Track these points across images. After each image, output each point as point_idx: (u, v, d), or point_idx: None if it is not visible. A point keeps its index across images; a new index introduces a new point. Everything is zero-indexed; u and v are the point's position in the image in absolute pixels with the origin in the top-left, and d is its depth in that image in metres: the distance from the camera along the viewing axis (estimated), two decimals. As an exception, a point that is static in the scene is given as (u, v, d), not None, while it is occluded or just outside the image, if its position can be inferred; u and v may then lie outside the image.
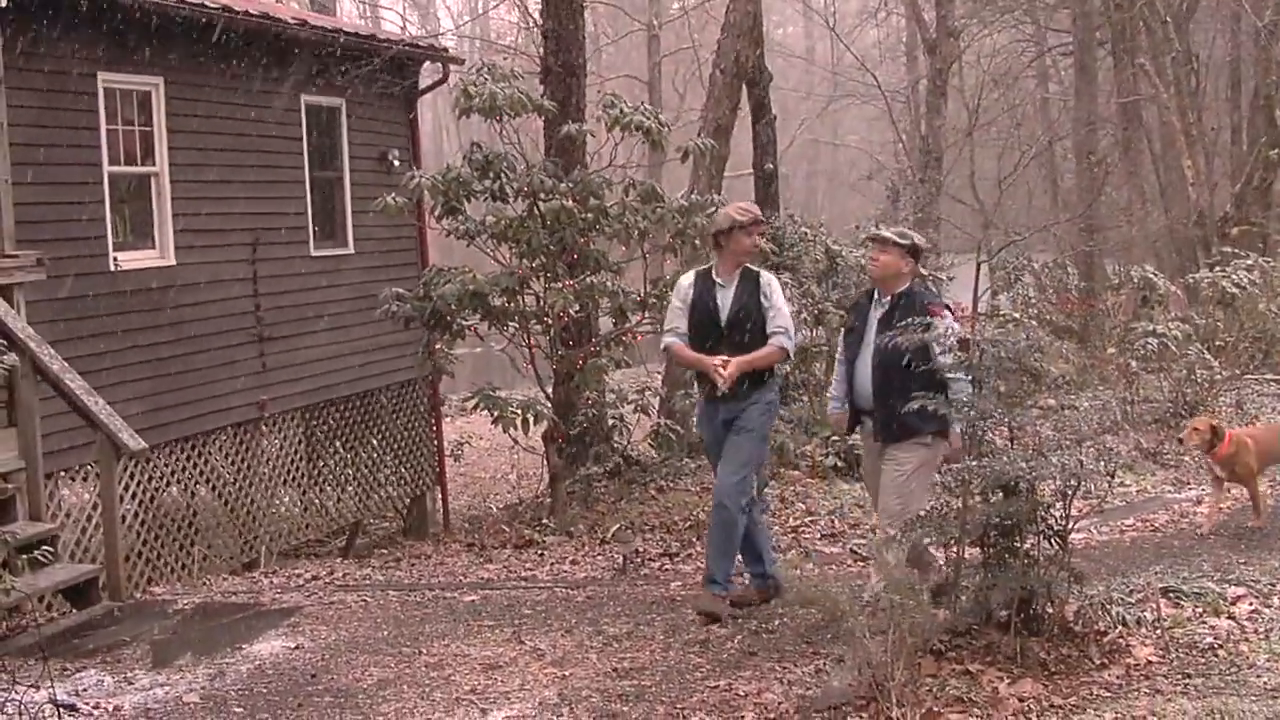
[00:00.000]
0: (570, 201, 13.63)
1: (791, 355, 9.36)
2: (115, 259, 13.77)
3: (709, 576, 8.93)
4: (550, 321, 13.82)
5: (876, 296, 8.70)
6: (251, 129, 15.87)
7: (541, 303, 13.97)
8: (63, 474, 12.54)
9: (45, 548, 9.45)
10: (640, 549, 12.37)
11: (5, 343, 10.16)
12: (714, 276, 9.10)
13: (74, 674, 8.45)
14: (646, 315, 14.21)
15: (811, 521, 12.97)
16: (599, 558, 12.34)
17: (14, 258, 10.97)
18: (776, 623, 8.72)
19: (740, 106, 19.86)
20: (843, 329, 9.26)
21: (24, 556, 9.44)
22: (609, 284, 13.74)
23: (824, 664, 7.69)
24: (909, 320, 7.83)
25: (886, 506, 8.50)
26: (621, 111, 13.71)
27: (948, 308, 8.60)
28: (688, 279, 9.26)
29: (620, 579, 10.77)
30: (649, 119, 13.81)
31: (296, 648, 8.83)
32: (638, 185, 14.18)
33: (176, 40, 14.42)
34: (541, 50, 17.59)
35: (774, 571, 9.27)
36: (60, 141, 13.08)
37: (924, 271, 18.66)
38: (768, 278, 9.10)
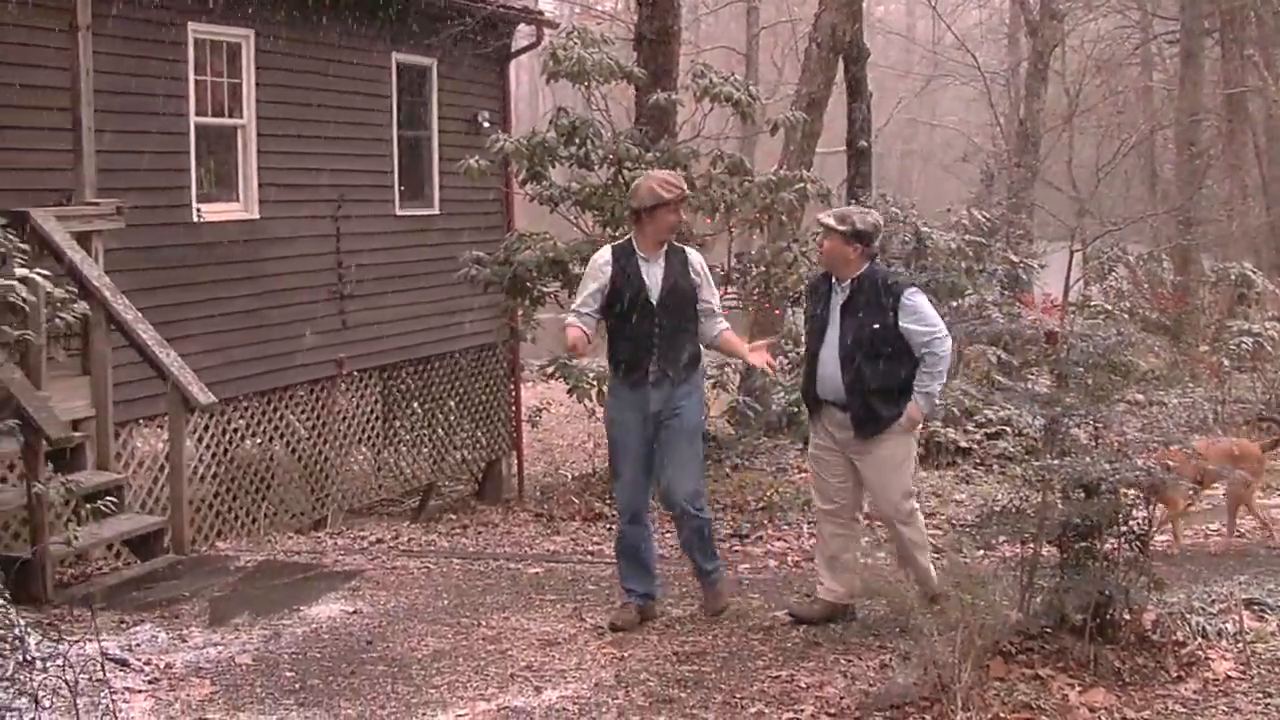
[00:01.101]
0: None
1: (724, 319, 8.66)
2: (198, 210, 13.74)
3: (707, 567, 8.54)
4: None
5: (835, 282, 8.09)
6: (340, 85, 15.79)
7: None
8: (138, 423, 12.52)
9: (109, 498, 9.43)
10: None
11: (80, 291, 10.12)
12: (637, 252, 8.27)
13: (130, 627, 8.38)
14: (730, 289, 14.00)
15: (884, 509, 12.72)
16: (667, 535, 12.13)
17: (94, 205, 10.93)
18: (843, 613, 8.51)
19: (836, 83, 19.56)
20: (804, 312, 8.66)
21: (88, 505, 9.45)
22: (693, 256, 13.53)
23: (889, 659, 7.48)
24: (879, 302, 7.83)
25: (888, 511, 8.12)
26: (711, 82, 13.50)
27: (914, 284, 8.19)
28: (604, 255, 8.35)
29: (687, 559, 10.57)
30: (739, 90, 13.58)
31: (354, 612, 8.72)
32: (725, 158, 13.96)
33: (269, -8, 14.37)
34: (636, 16, 17.38)
35: (658, 593, 8.61)
36: (147, 90, 13.03)
37: (1011, 257, 18.40)
38: (695, 254, 8.46)
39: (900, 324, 7.82)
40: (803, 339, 8.71)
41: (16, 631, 7.07)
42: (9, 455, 9.73)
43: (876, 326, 7.83)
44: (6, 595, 7.34)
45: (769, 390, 16.58)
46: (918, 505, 8.33)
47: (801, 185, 13.74)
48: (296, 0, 14.74)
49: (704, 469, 8.64)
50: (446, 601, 8.98)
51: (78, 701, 6.43)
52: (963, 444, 15.23)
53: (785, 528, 12.30)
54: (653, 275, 8.19)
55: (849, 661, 7.56)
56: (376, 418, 16.70)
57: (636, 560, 8.43)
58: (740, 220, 14.49)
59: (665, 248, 8.25)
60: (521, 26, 20.09)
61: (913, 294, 7.93)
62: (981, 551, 9.07)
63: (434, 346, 17.61)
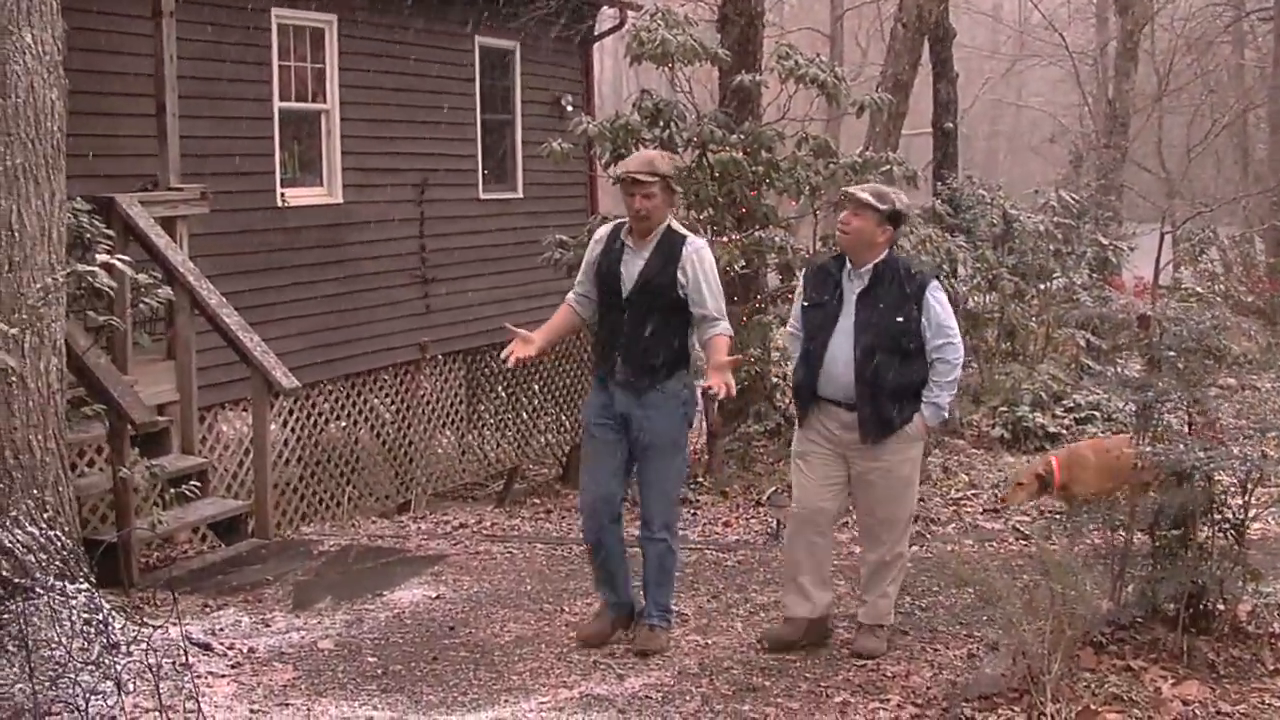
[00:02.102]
0: (741, 153, 13.31)
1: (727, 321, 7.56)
2: (282, 195, 13.79)
3: (649, 613, 7.64)
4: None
5: (849, 267, 7.30)
6: (423, 69, 15.78)
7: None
8: (222, 407, 12.57)
9: (194, 482, 9.49)
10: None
11: (165, 276, 10.17)
12: (622, 237, 7.49)
13: (214, 611, 8.42)
14: (814, 273, 13.85)
15: (974, 495, 12.55)
16: (752, 520, 12.06)
17: (179, 190, 10.98)
18: (930, 600, 8.40)
19: (922, 64, 19.36)
20: (803, 300, 7.53)
21: (173, 490, 9.50)
22: (777, 239, 13.42)
23: (977, 649, 7.38)
24: (903, 293, 7.15)
25: (896, 520, 7.38)
26: (796, 63, 13.35)
27: (936, 277, 7.54)
28: (604, 230, 7.69)
29: (772, 545, 10.48)
30: (824, 72, 13.43)
31: (437, 597, 8.70)
32: (811, 139, 13.82)
33: (351, -23, 14.38)
34: (720, -2, 17.27)
35: (634, 598, 7.81)
36: (231, 76, 13.07)
37: (1100, 240, 18.12)
38: (695, 247, 7.37)
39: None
40: (797, 326, 7.57)
41: (102, 615, 7.11)
42: (95, 439, 9.79)
43: (900, 320, 7.13)
44: (92, 579, 7.39)
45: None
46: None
47: (888, 168, 13.57)
48: (380, -16, 14.77)
49: (678, 487, 7.78)
50: (529, 587, 8.94)
51: (161, 686, 6.43)
52: (1051, 428, 15.00)
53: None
54: (631, 266, 7.38)
55: (935, 651, 7.47)
56: (460, 401, 16.70)
57: (604, 568, 7.69)
58: (826, 203, 14.36)
59: (657, 237, 7.36)
60: (605, 9, 20.01)
61: (937, 289, 7.27)
62: (1071, 539, 8.97)
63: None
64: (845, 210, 7.33)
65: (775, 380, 15.99)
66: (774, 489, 12.20)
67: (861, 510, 7.58)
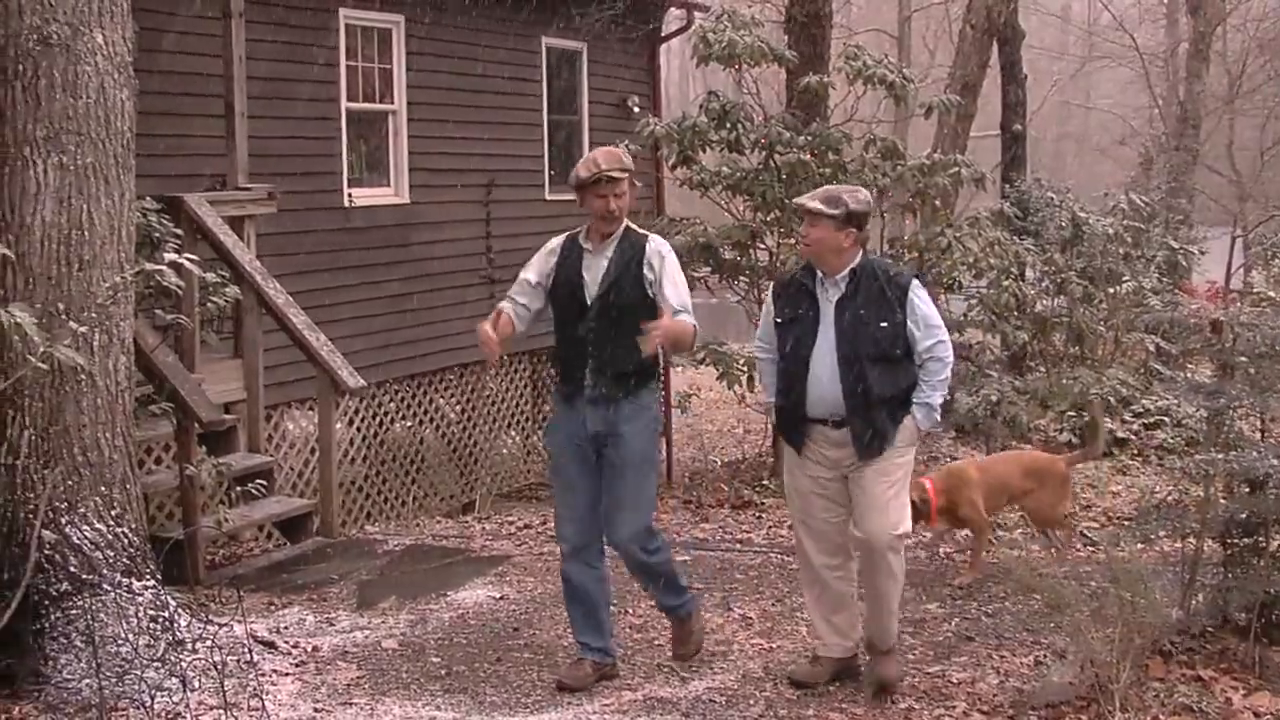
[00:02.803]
0: (808, 155, 13.27)
1: (697, 336, 7.06)
2: (349, 195, 13.83)
3: (674, 603, 7.34)
4: (782, 276, 13.51)
5: (821, 277, 6.78)
6: (490, 70, 15.79)
7: (774, 257, 13.68)
8: (289, 406, 12.63)
9: (259, 481, 9.53)
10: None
11: (232, 275, 10.22)
12: (582, 242, 7.05)
13: (279, 609, 8.45)
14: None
15: (1040, 500, 12.46)
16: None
17: (246, 190, 11.04)
18: (996, 607, 8.32)
19: (990, 65, 19.25)
20: (774, 318, 6.99)
21: (239, 487, 9.55)
22: (843, 241, 13.35)
23: (1044, 656, 7.31)
24: (884, 297, 6.65)
25: (878, 532, 6.70)
26: (864, 64, 13.31)
27: (917, 276, 7.06)
28: (554, 242, 7.16)
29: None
30: (892, 73, 13.38)
31: (501, 598, 8.70)
32: (878, 141, 13.76)
33: (419, -23, 14.41)
34: (787, -1, 17.22)
35: (611, 647, 7.33)
36: (299, 77, 13.13)
37: (1170, 243, 17.89)
38: (657, 245, 6.97)
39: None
40: (767, 345, 7.06)
41: (168, 612, 7.15)
42: (162, 437, 9.86)
43: (885, 325, 6.64)
44: (159, 576, 7.42)
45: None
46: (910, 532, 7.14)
47: (956, 169, 13.51)
48: (448, -15, 14.80)
49: (652, 507, 7.23)
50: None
51: (225, 683, 6.46)
52: (1120, 434, 14.88)
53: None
54: (593, 270, 6.92)
55: (1002, 658, 7.41)
56: (525, 402, 16.72)
57: (584, 608, 7.17)
58: (893, 205, 14.30)
59: (616, 238, 6.94)
60: (672, 10, 19.97)
61: (919, 288, 6.81)
62: (1140, 546, 8.89)
63: (583, 331, 17.57)
64: (804, 222, 6.91)
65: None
66: None
67: (853, 522, 6.88)
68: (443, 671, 7.34)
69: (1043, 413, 15.23)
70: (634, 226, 7.07)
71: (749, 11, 15.18)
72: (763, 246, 13.78)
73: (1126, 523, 10.75)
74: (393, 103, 14.46)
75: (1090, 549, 10.08)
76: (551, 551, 10.02)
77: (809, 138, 13.33)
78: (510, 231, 15.99)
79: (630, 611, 8.35)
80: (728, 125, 13.46)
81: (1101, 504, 12.40)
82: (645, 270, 6.86)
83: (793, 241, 13.09)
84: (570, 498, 7.11)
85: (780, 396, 6.94)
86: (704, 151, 13.93)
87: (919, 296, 6.75)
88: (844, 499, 6.82)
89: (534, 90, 16.73)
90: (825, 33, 16.48)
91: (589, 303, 6.89)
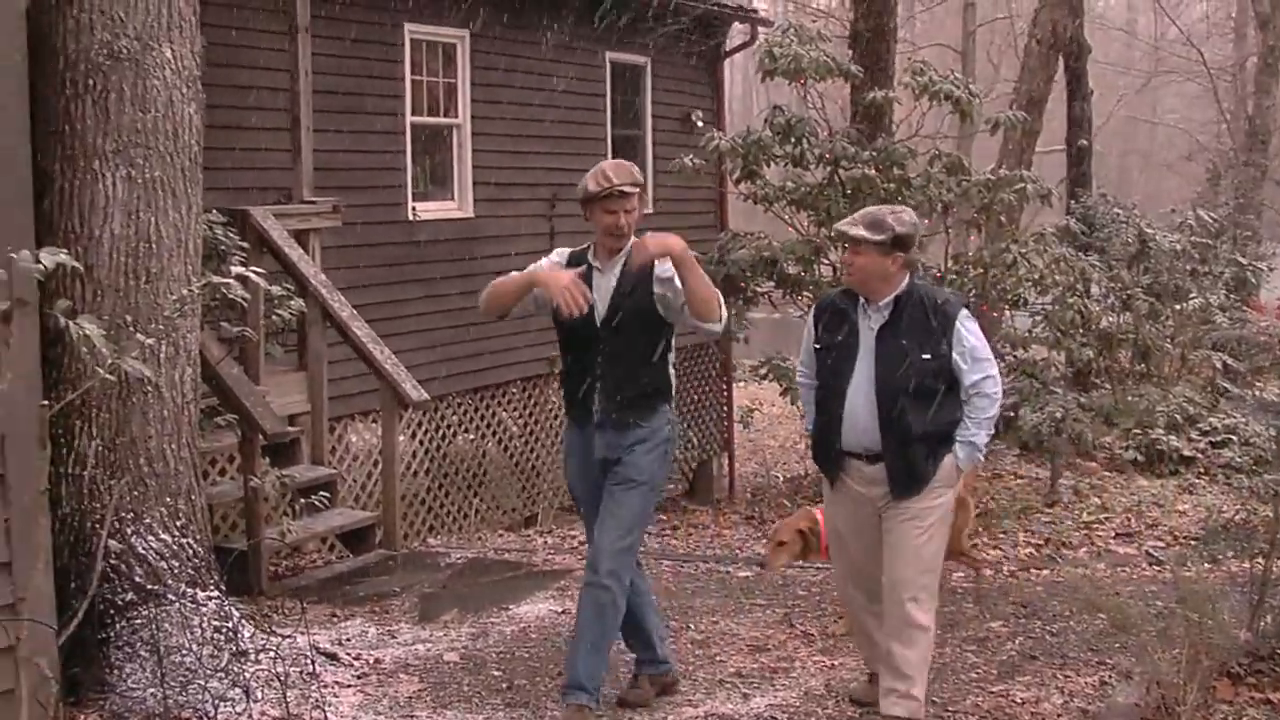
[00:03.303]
0: (872, 170, 13.23)
1: (722, 323, 6.51)
2: (413, 209, 13.89)
3: (573, 682, 6.61)
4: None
5: (864, 302, 6.36)
6: (554, 84, 15.83)
7: (838, 273, 13.64)
8: (352, 418, 12.68)
9: (323, 492, 9.58)
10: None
11: (297, 288, 10.27)
12: (589, 259, 6.62)
13: (341, 621, 8.47)
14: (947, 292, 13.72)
15: (1106, 519, 12.37)
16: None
17: (311, 204, 11.11)
18: (1060, 626, 8.25)
19: (1055, 80, 19.14)
20: (813, 344, 6.58)
21: (303, 499, 9.59)
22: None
23: (1109, 676, 7.23)
24: (927, 326, 6.21)
25: (908, 579, 6.30)
26: (930, 79, 13.25)
27: (966, 306, 6.62)
28: (564, 253, 6.80)
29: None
30: (958, 88, 13.31)
31: (563, 612, 8.69)
32: (943, 156, 13.70)
33: (484, -8, 14.46)
34: (851, 14, 17.18)
35: (668, 654, 7.18)
36: (364, 91, 13.20)
37: (1238, 259, 17.74)
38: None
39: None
40: (808, 372, 6.66)
41: (231, 623, 7.19)
42: (227, 449, 9.91)
43: (927, 357, 6.20)
44: (222, 586, 7.46)
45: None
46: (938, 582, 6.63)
47: (1021, 185, 13.42)
48: (511, 0, 14.81)
49: (640, 530, 6.75)
50: (655, 603, 8.89)
51: (288, 694, 6.49)
52: (1186, 452, 14.74)
53: (1001, 535, 12.01)
54: (601, 289, 6.53)
55: (1066, 677, 7.33)
56: (587, 416, 16.71)
57: (629, 624, 6.84)
58: (958, 220, 14.23)
59: (623, 255, 6.51)
60: (735, 25, 19.99)
61: (967, 318, 6.32)
62: (1208, 566, 8.80)
63: (645, 345, 17.57)
64: (848, 250, 6.46)
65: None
66: None
67: (884, 577, 6.46)
68: (504, 685, 7.33)
69: (1107, 430, 15.11)
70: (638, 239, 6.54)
71: (814, 27, 15.13)
72: (826, 262, 13.74)
73: (1193, 542, 10.66)
74: (457, 117, 14.51)
75: (1156, 568, 9.99)
76: (613, 566, 10.01)
77: (873, 153, 13.29)
78: (574, 246, 15.99)
79: (692, 627, 8.34)
80: (792, 140, 13.44)
81: (1167, 523, 12.28)
82: (655, 287, 6.47)
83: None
84: (588, 521, 6.84)
85: (814, 426, 6.62)
86: (768, 166, 13.91)
87: (966, 328, 6.27)
88: (876, 540, 6.42)
89: (598, 105, 16.77)
90: (889, 47, 16.43)
91: (598, 324, 6.50)
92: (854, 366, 6.31)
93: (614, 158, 16.73)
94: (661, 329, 6.58)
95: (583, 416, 6.64)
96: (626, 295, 6.47)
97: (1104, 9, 55.75)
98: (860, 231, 6.22)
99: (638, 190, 6.54)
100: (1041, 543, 11.69)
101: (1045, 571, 10.17)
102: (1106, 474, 14.29)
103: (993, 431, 6.43)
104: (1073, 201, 18.78)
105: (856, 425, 6.30)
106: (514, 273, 6.70)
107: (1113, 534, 11.96)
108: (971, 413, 6.26)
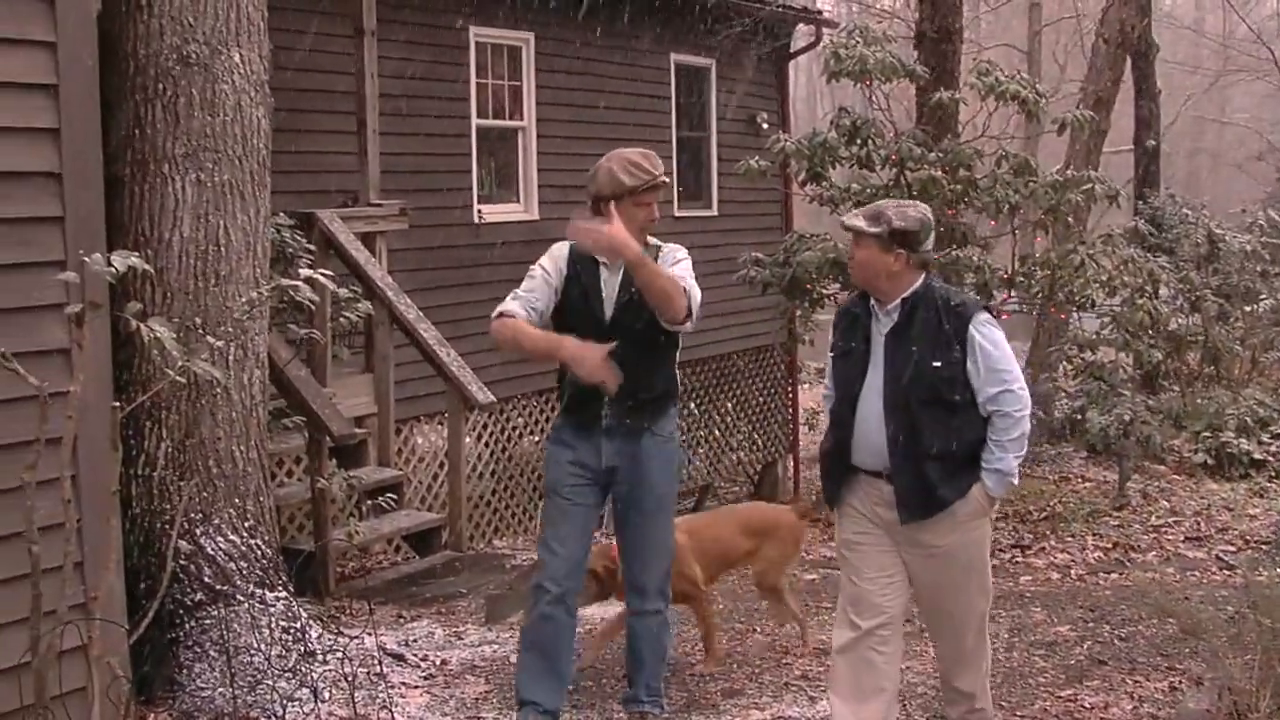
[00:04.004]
0: (939, 172, 13.15)
1: (693, 319, 6.16)
2: (479, 211, 13.94)
3: (645, 695, 6.59)
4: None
5: (874, 305, 5.71)
6: (619, 86, 15.87)
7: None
8: (418, 420, 12.72)
9: (389, 494, 9.62)
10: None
11: (364, 290, 10.32)
12: (596, 255, 6.18)
13: (408, 622, 8.50)
14: (1013, 294, 13.65)
15: (1175, 522, 12.26)
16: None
17: (378, 206, 11.15)
18: (1129, 630, 8.18)
19: (1123, 79, 19.00)
20: (829, 351, 5.99)
21: (369, 501, 9.64)
22: (975, 258, 13.23)
23: (1179, 682, 7.16)
24: (940, 330, 5.54)
25: (970, 613, 5.78)
26: (996, 80, 13.16)
27: (987, 308, 5.79)
28: (563, 248, 6.25)
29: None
30: (1025, 88, 13.21)
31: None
32: (1010, 157, 13.60)
33: (550, -5, 14.50)
34: (917, 14, 17.10)
35: (646, 697, 6.64)
36: (430, 94, 13.26)
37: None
38: (671, 249, 6.26)
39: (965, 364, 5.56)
40: (830, 382, 5.96)
41: (299, 624, 7.23)
42: (295, 450, 9.97)
43: (938, 364, 5.50)
44: (290, 587, 7.50)
45: (1052, 396, 16.17)
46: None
47: (1089, 186, 13.31)
48: (576, 3, 14.84)
49: (670, 555, 6.59)
50: (721, 606, 8.89)
51: (355, 695, 6.51)
52: (1257, 455, 14.60)
53: (1069, 539, 11.93)
54: (610, 283, 6.19)
55: (1135, 683, 7.26)
56: (651, 418, 16.71)
57: (547, 658, 6.33)
58: (1024, 222, 14.14)
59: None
60: (800, 26, 19.96)
61: (984, 323, 5.59)
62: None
63: (711, 347, 17.56)
64: (850, 242, 5.87)
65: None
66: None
67: (923, 612, 6.16)
68: (570, 687, 7.31)
69: (1176, 433, 14.98)
70: (648, 237, 6.26)
71: (880, 28, 15.07)
72: (892, 263, 13.65)
73: (1264, 546, 10.55)
74: (522, 119, 14.56)
75: (1227, 573, 9.89)
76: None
77: (940, 154, 13.21)
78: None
79: (758, 630, 8.32)
80: (858, 141, 13.37)
81: (1238, 527, 12.17)
82: None
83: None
84: (565, 526, 6.37)
85: (826, 438, 5.97)
86: (834, 168, 13.86)
87: (982, 333, 5.54)
88: (891, 566, 5.73)
89: (663, 107, 16.78)
90: (955, 48, 16.33)
91: (606, 324, 6.13)
92: (865, 374, 5.68)
93: (679, 160, 16.83)
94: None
95: (589, 422, 6.25)
96: (635, 293, 6.08)
97: (1172, 7, 55.30)
98: (858, 222, 5.66)
99: (666, 181, 6.30)
100: (1110, 546, 11.61)
101: (1114, 575, 10.10)
102: (1176, 477, 14.19)
103: (1022, 453, 5.65)
104: (1140, 202, 18.65)
105: (867, 439, 5.66)
106: (534, 331, 6.14)
107: (1182, 538, 11.86)
108: (994, 434, 5.56)
